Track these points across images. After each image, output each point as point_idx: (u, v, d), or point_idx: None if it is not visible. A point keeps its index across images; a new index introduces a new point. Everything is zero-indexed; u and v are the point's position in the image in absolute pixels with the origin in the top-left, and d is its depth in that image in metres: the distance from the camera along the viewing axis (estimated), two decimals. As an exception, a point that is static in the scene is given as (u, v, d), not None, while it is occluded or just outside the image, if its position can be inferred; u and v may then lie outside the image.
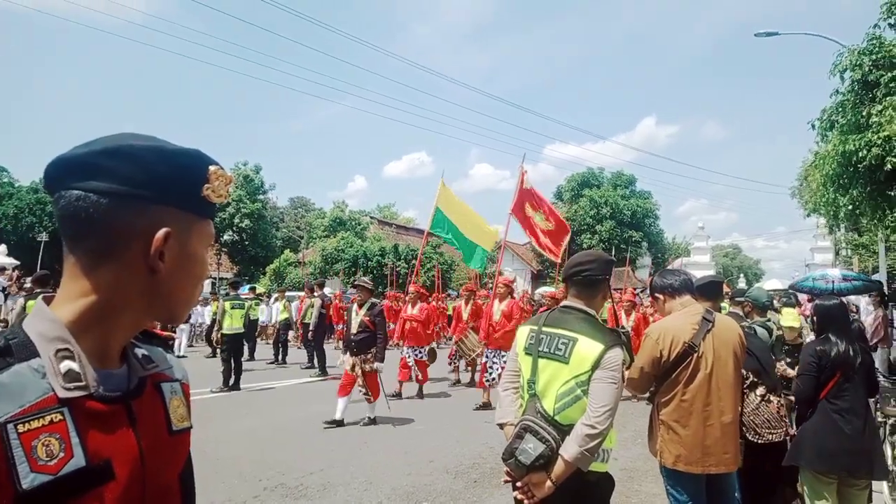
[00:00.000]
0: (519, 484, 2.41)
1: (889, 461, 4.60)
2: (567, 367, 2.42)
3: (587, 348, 2.40)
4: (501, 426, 2.70)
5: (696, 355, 3.04)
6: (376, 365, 7.52)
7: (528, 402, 2.51)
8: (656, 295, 3.42)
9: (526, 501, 2.39)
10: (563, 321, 2.56)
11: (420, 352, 10.21)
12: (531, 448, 2.34)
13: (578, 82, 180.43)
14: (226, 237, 35.47)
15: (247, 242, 35.95)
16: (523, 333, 2.69)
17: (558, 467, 2.32)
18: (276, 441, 6.81)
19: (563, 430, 2.38)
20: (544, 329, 2.57)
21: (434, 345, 10.92)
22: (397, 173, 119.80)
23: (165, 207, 0.89)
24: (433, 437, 7.21)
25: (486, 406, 8.81)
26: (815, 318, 3.85)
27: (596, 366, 2.37)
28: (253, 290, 15.24)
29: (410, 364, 10.07)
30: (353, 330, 7.71)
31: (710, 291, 3.76)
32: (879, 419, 4.87)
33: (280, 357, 14.45)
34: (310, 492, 5.22)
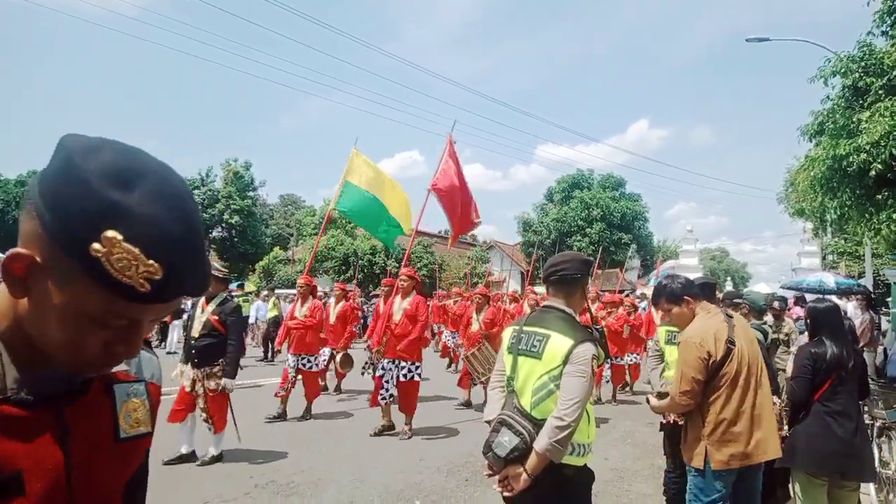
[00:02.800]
0: (498, 477, 2.50)
1: (876, 463, 4.65)
2: (540, 362, 2.52)
3: (558, 344, 2.50)
4: (489, 423, 2.74)
5: (735, 350, 3.12)
6: (225, 382, 5.71)
7: (506, 398, 2.62)
8: (681, 300, 3.40)
9: (505, 493, 2.49)
10: (541, 320, 2.66)
11: (308, 361, 8.09)
12: (506, 441, 2.44)
13: (571, 84, 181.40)
14: (215, 234, 35.25)
15: (236, 239, 35.69)
16: (508, 333, 2.79)
17: (531, 459, 2.41)
18: (266, 439, 6.77)
19: (538, 424, 2.46)
20: (525, 328, 2.67)
21: (332, 352, 9.10)
22: (389, 171, 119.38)
23: (45, 235, 0.73)
24: (423, 435, 7.20)
25: (388, 429, 7.13)
26: (807, 320, 3.87)
27: (566, 360, 2.46)
28: (241, 287, 15.09)
29: (291, 375, 8.03)
30: (195, 333, 5.73)
31: (707, 292, 3.78)
32: (867, 421, 4.92)
33: (269, 355, 14.39)
34: (301, 489, 5.20)
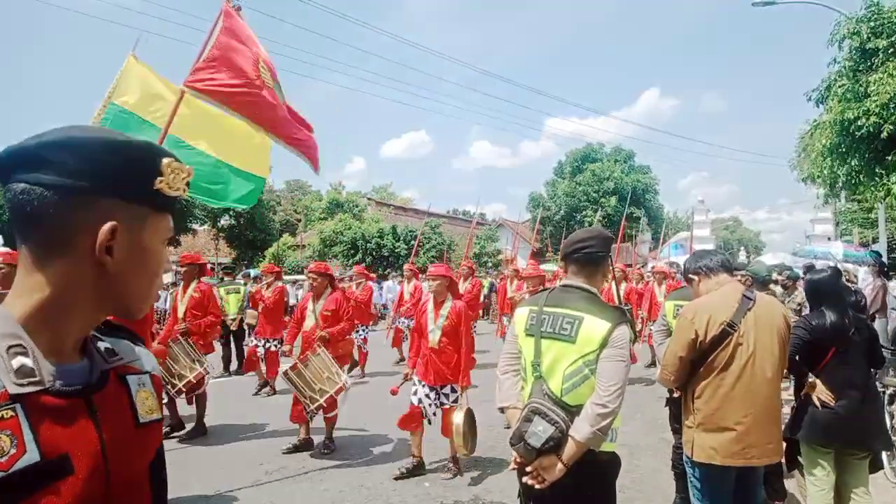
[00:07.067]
0: (529, 468, 2.35)
1: (889, 430, 4.60)
2: (574, 346, 2.38)
3: (594, 327, 2.36)
4: (502, 410, 2.65)
5: (735, 335, 2.84)
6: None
7: (533, 384, 2.45)
8: (690, 276, 3.26)
9: (537, 486, 2.34)
10: (565, 300, 2.50)
11: None
12: (541, 431, 2.28)
13: (578, 56, 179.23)
14: (223, 222, 35.27)
15: (244, 226, 35.74)
16: (523, 314, 2.62)
17: (569, 448, 2.29)
18: (275, 425, 6.81)
19: (572, 411, 2.34)
20: (546, 309, 2.50)
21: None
22: (397, 153, 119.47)
23: (114, 200, 0.87)
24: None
25: None
26: (806, 293, 3.82)
27: (604, 344, 2.33)
28: (247, 276, 14.93)
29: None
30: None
31: (728, 266, 3.69)
32: (879, 388, 4.87)
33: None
34: (311, 475, 5.25)
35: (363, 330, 10.21)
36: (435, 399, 5.18)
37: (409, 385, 5.34)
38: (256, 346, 8.99)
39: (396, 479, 5.06)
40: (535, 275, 7.24)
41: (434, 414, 5.20)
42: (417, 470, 5.19)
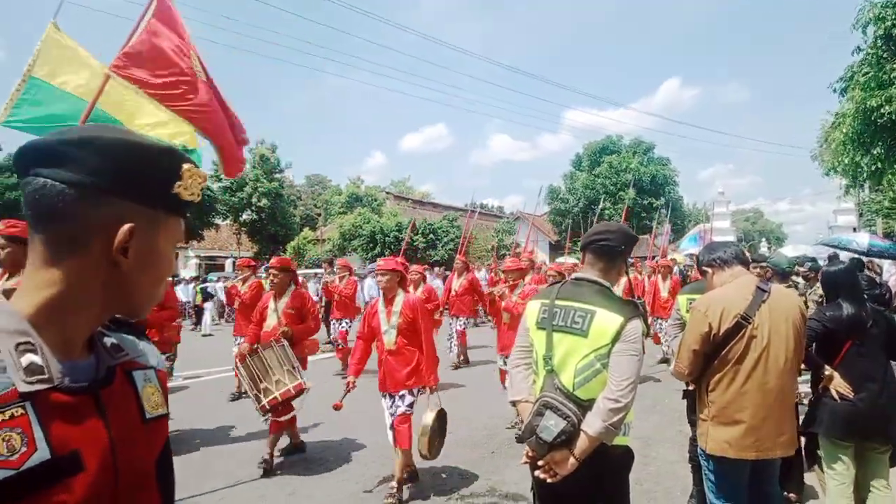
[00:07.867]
0: (541, 462, 2.34)
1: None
2: (586, 340, 2.37)
3: (606, 321, 2.35)
4: (514, 403, 2.65)
5: (749, 328, 2.83)
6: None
7: (545, 378, 2.44)
8: (704, 269, 3.24)
9: (549, 480, 2.33)
10: (577, 294, 2.49)
11: None
12: (552, 425, 2.28)
13: (594, 48, 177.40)
14: (244, 217, 35.61)
15: (265, 221, 36.06)
16: (534, 307, 2.62)
17: (582, 443, 2.28)
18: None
19: (584, 406, 2.33)
20: (557, 302, 2.50)
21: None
22: (415, 146, 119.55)
23: (132, 202, 0.89)
24: (447, 410, 7.21)
25: None
26: (823, 285, 3.77)
27: (616, 338, 2.33)
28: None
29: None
30: None
31: (743, 258, 3.66)
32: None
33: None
34: (328, 465, 5.34)
35: (346, 324, 10.07)
36: (390, 407, 4.69)
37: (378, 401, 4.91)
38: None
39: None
40: (514, 268, 6.87)
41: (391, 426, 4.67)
42: (413, 478, 4.93)
